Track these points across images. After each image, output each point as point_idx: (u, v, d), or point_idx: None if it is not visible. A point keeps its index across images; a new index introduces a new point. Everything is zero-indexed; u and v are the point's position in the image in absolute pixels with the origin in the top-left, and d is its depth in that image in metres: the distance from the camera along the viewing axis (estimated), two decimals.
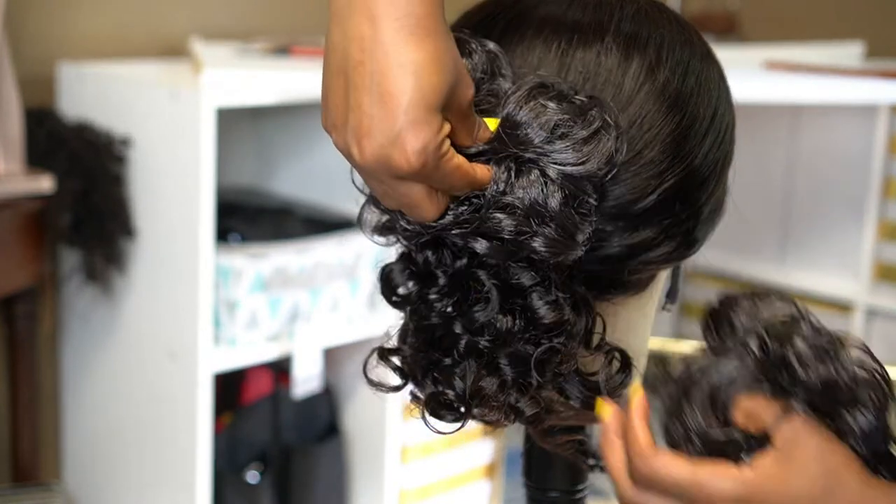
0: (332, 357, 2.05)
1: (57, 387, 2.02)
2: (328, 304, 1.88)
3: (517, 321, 0.62)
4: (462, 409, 0.64)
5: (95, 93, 1.84)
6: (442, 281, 0.63)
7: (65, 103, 1.89)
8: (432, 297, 0.64)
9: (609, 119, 0.62)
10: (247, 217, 1.91)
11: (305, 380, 1.87)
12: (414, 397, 0.66)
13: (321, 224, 1.94)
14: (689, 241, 0.69)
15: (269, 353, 1.82)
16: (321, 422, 2.07)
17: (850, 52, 2.31)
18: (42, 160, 1.74)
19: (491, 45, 0.65)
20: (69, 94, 1.88)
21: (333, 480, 2.05)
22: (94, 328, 1.91)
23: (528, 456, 0.82)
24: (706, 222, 0.70)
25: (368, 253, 1.91)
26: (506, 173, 0.61)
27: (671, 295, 0.78)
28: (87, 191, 1.74)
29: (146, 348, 1.81)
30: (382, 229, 0.66)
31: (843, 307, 2.31)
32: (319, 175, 2.07)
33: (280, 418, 2.00)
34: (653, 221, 0.66)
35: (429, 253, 0.64)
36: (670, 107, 0.67)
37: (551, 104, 0.61)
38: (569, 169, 0.61)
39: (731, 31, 2.63)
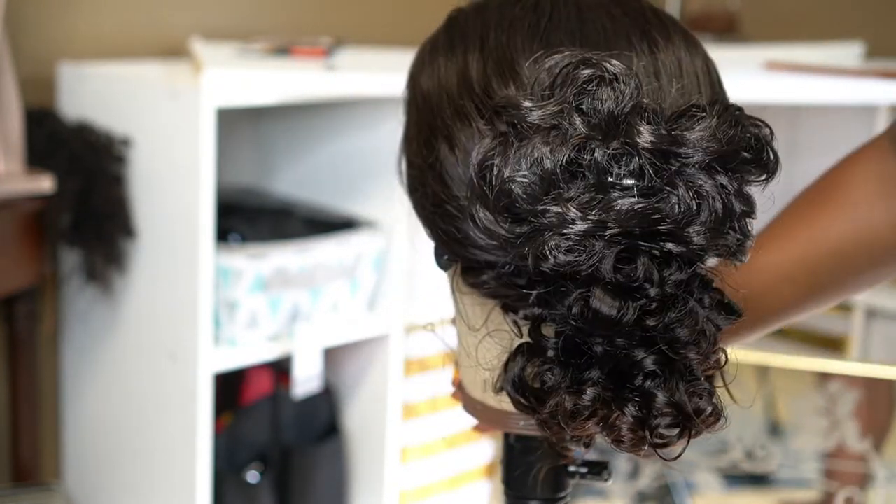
0: (332, 357, 2.05)
1: (57, 387, 2.02)
2: (328, 304, 1.88)
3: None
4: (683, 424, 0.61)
5: (95, 93, 1.84)
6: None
7: (65, 103, 1.89)
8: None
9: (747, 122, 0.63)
10: (247, 217, 1.91)
11: (305, 380, 1.87)
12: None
13: (321, 224, 1.94)
14: None
15: (269, 353, 1.82)
16: (321, 422, 2.07)
17: (850, 52, 2.31)
18: (42, 160, 1.74)
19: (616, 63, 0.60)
20: (69, 94, 1.88)
21: (333, 480, 2.05)
22: (94, 328, 1.91)
23: (506, 464, 0.80)
24: None
25: (368, 253, 1.91)
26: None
27: None
28: (87, 191, 1.74)
29: (146, 348, 1.81)
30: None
31: (842, 307, 2.30)
32: (319, 175, 2.07)
33: (280, 418, 2.00)
34: None
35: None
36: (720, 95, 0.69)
37: (709, 117, 0.60)
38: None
39: (731, 31, 2.63)
